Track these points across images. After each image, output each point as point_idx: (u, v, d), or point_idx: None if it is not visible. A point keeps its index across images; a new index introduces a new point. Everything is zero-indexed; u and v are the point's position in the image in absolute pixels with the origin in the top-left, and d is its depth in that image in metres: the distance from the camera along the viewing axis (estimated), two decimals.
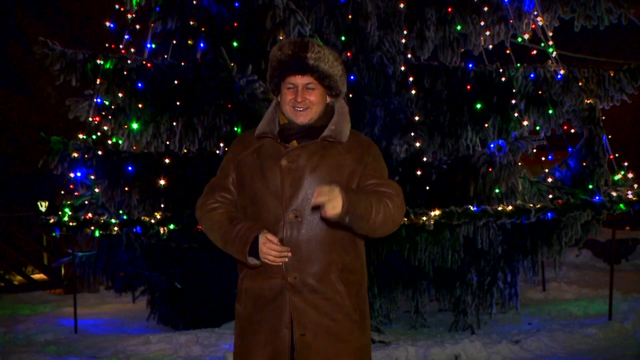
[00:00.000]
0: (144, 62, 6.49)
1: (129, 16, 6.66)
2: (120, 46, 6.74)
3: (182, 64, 6.59)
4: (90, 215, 6.16)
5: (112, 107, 6.48)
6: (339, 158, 2.36)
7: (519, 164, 5.74)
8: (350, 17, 6.12)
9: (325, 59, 2.35)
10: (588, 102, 6.36)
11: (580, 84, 6.41)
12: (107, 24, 6.93)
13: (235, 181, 2.43)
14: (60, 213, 6.25)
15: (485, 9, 6.63)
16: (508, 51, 6.69)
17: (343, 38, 6.16)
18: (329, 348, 2.31)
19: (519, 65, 6.53)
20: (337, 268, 2.34)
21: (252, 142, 2.44)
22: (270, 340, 2.31)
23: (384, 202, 2.29)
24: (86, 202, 6.37)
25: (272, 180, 2.32)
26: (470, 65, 6.53)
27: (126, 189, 6.04)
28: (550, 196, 5.97)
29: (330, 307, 2.32)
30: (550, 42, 6.67)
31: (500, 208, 5.57)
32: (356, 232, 2.37)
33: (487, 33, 6.73)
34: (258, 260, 2.28)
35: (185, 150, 6.47)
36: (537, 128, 6.57)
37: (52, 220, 6.21)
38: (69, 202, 6.32)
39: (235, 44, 5.90)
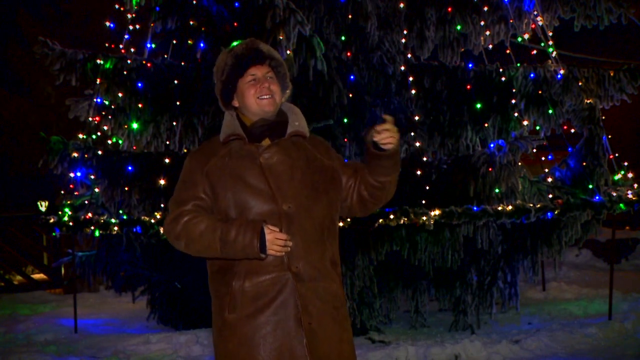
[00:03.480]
0: (143, 62, 6.49)
1: (129, 16, 6.66)
2: (120, 46, 6.74)
3: (182, 64, 6.59)
4: (90, 215, 6.16)
5: (112, 107, 6.48)
6: (310, 152, 2.44)
7: (519, 163, 5.74)
8: (350, 17, 6.12)
9: (273, 50, 2.50)
10: (588, 102, 6.36)
11: (580, 83, 6.41)
12: (107, 24, 6.93)
13: (209, 189, 2.37)
14: (60, 213, 6.25)
15: (485, 8, 6.63)
16: (508, 51, 6.68)
17: (343, 38, 6.16)
18: (333, 335, 2.33)
19: (519, 65, 6.53)
20: (328, 257, 2.39)
21: (218, 149, 2.40)
22: (283, 338, 2.27)
23: None
24: (86, 202, 6.37)
25: (253, 179, 2.32)
26: (470, 65, 6.53)
27: (126, 189, 6.04)
28: (550, 196, 5.97)
29: (330, 296, 2.35)
30: (550, 42, 6.67)
31: (500, 208, 5.57)
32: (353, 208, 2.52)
33: (487, 33, 6.72)
34: (263, 254, 2.25)
35: (185, 150, 6.47)
36: (537, 128, 6.56)
37: (52, 220, 6.21)
38: (69, 202, 6.32)
39: (235, 44, 5.90)
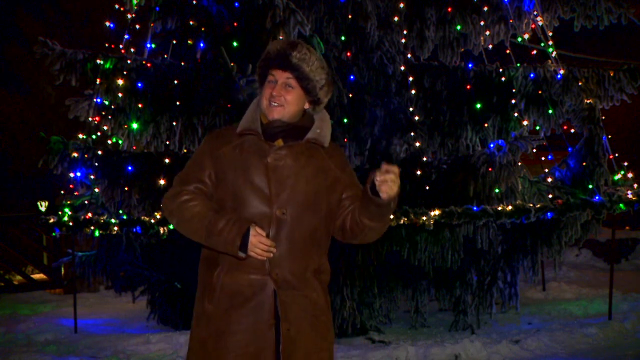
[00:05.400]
0: (143, 62, 6.49)
1: (129, 16, 6.66)
2: (120, 46, 6.74)
3: (182, 64, 6.58)
4: (90, 215, 6.16)
5: (112, 107, 6.48)
6: (323, 162, 2.40)
7: (519, 163, 5.74)
8: (350, 17, 6.12)
9: (309, 62, 2.37)
10: (588, 102, 6.37)
11: (580, 83, 6.42)
12: (107, 24, 6.94)
13: (213, 175, 2.39)
14: (60, 213, 6.25)
15: (485, 8, 6.63)
16: (508, 51, 6.69)
17: (343, 38, 6.16)
18: (310, 343, 2.34)
19: (519, 65, 6.54)
20: (312, 268, 2.37)
21: (233, 138, 2.42)
22: (252, 340, 2.29)
23: None
24: (86, 202, 6.38)
25: (256, 177, 2.33)
26: (470, 65, 6.53)
27: (126, 189, 6.04)
28: (550, 196, 5.98)
29: (309, 305, 2.35)
30: (550, 42, 6.68)
31: (500, 208, 5.57)
32: (343, 233, 2.47)
33: (487, 33, 6.73)
34: (244, 254, 2.27)
35: (185, 150, 6.47)
36: (537, 128, 6.57)
37: (52, 220, 6.21)
38: (69, 202, 6.32)
39: (235, 44, 5.91)
